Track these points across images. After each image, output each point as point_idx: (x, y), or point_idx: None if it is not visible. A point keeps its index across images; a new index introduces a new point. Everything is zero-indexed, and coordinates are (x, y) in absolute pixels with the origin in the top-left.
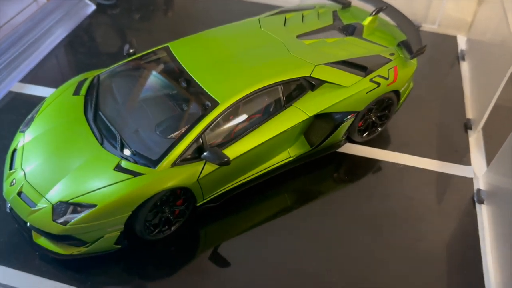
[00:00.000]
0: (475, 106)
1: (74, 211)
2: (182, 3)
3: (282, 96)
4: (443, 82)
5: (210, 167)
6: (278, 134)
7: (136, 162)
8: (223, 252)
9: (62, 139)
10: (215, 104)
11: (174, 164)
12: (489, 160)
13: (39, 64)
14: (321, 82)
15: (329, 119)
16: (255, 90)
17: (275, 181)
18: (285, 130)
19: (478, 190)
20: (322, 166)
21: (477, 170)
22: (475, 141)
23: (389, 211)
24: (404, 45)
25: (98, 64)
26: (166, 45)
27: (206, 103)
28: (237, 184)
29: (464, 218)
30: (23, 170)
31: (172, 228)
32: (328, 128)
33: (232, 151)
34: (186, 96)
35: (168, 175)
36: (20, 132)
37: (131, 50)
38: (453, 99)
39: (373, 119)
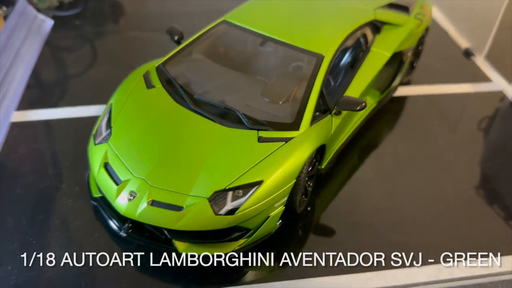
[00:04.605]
0: (470, 36)
1: (235, 197)
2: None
3: (362, 41)
4: None
5: (336, 120)
6: (371, 80)
7: (275, 130)
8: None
9: (169, 133)
10: (320, 57)
11: (311, 122)
12: (506, 76)
13: (27, 88)
14: (382, 24)
15: (393, 59)
16: (347, 35)
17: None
18: (376, 74)
19: None
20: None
21: (501, 84)
22: (483, 64)
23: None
24: None
25: (89, 73)
26: (221, 20)
27: (309, 59)
28: (343, 140)
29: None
30: (141, 178)
31: (308, 196)
32: (392, 70)
33: None
34: (279, 60)
35: (312, 134)
36: (97, 144)
37: (176, 37)
38: (438, 37)
39: (412, 56)
